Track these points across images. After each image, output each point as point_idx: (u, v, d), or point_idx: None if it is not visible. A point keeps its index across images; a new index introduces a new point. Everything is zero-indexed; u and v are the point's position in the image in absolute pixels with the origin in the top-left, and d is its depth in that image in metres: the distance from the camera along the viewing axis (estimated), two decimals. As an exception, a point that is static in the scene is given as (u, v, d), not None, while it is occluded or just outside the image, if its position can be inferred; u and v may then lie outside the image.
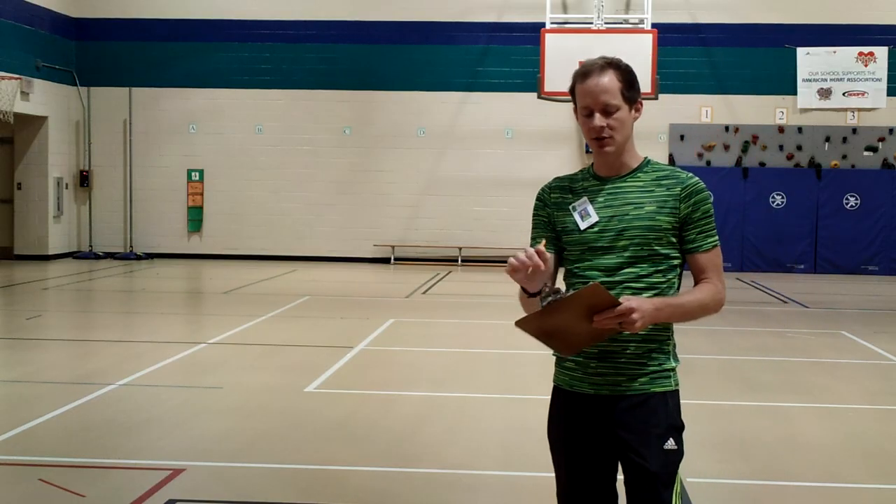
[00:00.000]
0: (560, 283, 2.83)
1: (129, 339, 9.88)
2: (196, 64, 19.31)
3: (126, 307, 13.13)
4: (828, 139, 18.65)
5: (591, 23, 16.77)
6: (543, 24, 16.88)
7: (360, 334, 10.18)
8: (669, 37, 17.58)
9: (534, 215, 3.01)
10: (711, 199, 2.85)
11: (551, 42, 16.62)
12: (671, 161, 18.81)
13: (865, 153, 18.65)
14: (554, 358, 2.95)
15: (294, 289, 14.63)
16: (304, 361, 8.70)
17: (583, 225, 2.85)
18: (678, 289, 2.86)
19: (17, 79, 16.78)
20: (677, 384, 2.89)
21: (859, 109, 18.58)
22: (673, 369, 2.87)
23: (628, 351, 2.80)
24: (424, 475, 5.32)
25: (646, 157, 2.90)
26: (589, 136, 2.81)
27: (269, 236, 19.36)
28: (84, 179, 19.52)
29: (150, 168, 19.54)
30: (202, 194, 19.49)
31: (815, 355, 9.53)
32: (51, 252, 18.80)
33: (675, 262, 2.84)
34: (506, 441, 6.07)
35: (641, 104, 2.85)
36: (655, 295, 2.78)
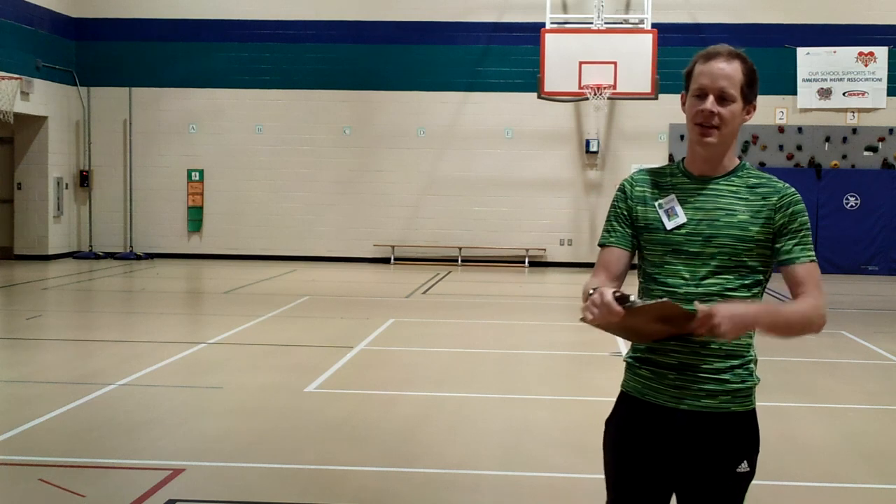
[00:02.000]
0: (634, 286, 2.67)
1: (129, 339, 9.88)
2: (196, 64, 19.31)
3: (126, 307, 13.13)
4: (828, 139, 18.65)
5: (591, 23, 16.79)
6: (543, 24, 16.89)
7: (360, 334, 10.18)
8: (669, 37, 17.57)
9: (612, 206, 2.79)
10: (807, 214, 2.68)
11: (551, 42, 16.64)
12: (671, 161, 18.81)
13: (865, 153, 18.65)
14: (625, 363, 2.79)
15: (294, 289, 14.63)
16: (304, 361, 8.70)
17: (669, 224, 2.66)
18: None
19: (17, 79, 16.78)
20: (754, 402, 2.73)
21: (859, 109, 18.58)
22: (754, 387, 2.70)
23: (707, 366, 2.62)
24: (424, 475, 5.32)
25: (742, 161, 2.72)
26: (693, 121, 2.62)
27: (269, 236, 19.36)
28: (84, 179, 19.52)
29: (150, 168, 19.54)
30: (202, 194, 19.49)
31: (815, 355, 9.52)
32: (51, 252, 18.80)
33: (761, 276, 2.67)
34: (506, 441, 6.07)
35: (755, 108, 2.68)
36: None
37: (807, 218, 2.66)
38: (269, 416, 6.69)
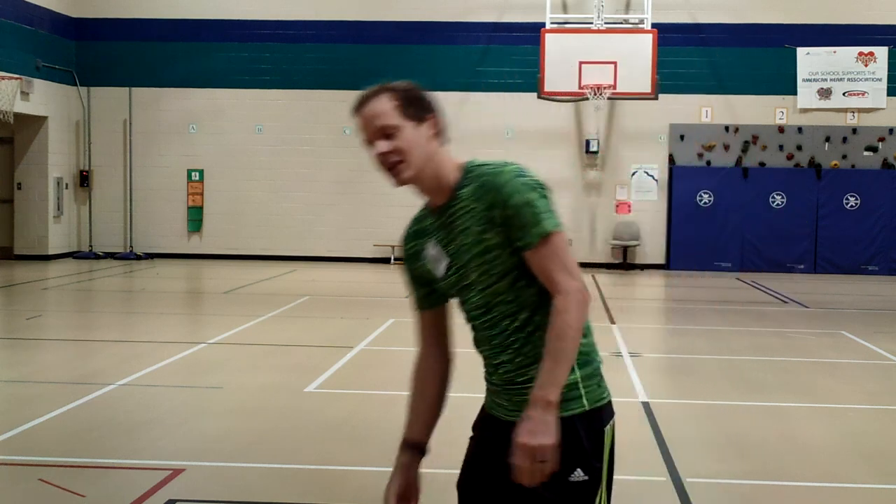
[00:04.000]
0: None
1: (129, 339, 9.88)
2: (196, 64, 19.31)
3: (126, 307, 13.13)
4: (828, 139, 18.65)
5: (591, 23, 16.80)
6: (543, 24, 16.91)
7: (360, 334, 10.18)
8: (669, 37, 17.58)
9: (402, 268, 2.76)
10: (524, 180, 2.45)
11: (551, 42, 16.65)
12: (671, 161, 18.82)
13: (865, 153, 18.64)
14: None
15: (294, 289, 14.63)
16: (304, 361, 8.70)
17: (440, 271, 2.59)
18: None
19: (17, 79, 16.78)
20: (597, 400, 2.59)
21: (859, 109, 18.58)
22: (579, 393, 2.55)
23: (522, 378, 2.55)
24: (424, 475, 5.32)
25: (466, 164, 2.56)
26: (381, 169, 2.52)
27: (269, 236, 19.36)
28: (84, 179, 19.52)
29: (150, 168, 19.54)
30: (202, 194, 19.49)
31: (815, 355, 9.53)
32: (51, 252, 18.80)
33: (537, 282, 2.51)
34: (506, 441, 6.06)
35: (435, 120, 2.52)
36: (533, 313, 2.52)
37: (521, 194, 2.43)
38: (269, 416, 6.69)
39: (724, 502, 5.13)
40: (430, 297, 2.71)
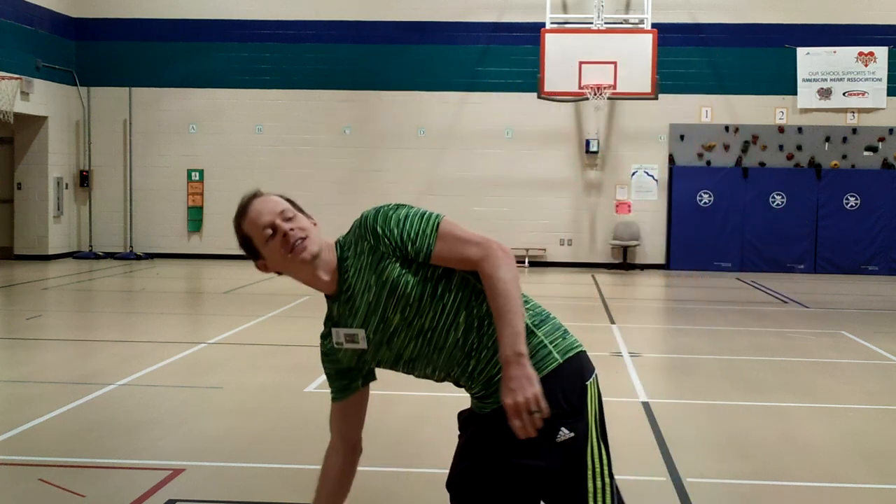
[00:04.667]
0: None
1: (129, 339, 9.88)
2: (196, 64, 19.31)
3: (126, 307, 13.13)
4: (828, 139, 18.65)
5: (591, 23, 16.80)
6: (543, 24, 16.91)
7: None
8: (669, 37, 17.59)
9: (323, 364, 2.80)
10: (383, 209, 2.61)
11: (551, 42, 16.65)
12: (671, 161, 18.83)
13: (865, 153, 18.65)
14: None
15: (294, 289, 14.53)
16: (304, 361, 8.69)
17: (362, 343, 2.63)
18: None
19: (17, 79, 16.78)
20: (568, 350, 2.62)
21: (859, 109, 18.58)
22: (542, 343, 2.59)
23: (496, 370, 2.56)
24: (424, 475, 5.32)
25: (335, 242, 2.70)
26: (284, 253, 2.56)
27: (269, 236, 19.33)
28: (84, 179, 19.52)
29: (150, 168, 19.54)
30: (202, 194, 19.49)
31: (815, 355, 9.53)
32: (51, 252, 18.80)
33: (454, 280, 2.57)
34: (506, 441, 6.05)
35: (314, 221, 2.70)
36: (468, 308, 2.56)
37: (390, 217, 2.57)
38: (269, 416, 6.69)
39: (725, 502, 5.13)
40: (349, 386, 2.75)
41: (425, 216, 2.58)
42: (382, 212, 2.61)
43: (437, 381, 2.75)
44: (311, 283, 2.65)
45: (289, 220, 2.59)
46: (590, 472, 2.56)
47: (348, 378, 2.75)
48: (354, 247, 2.63)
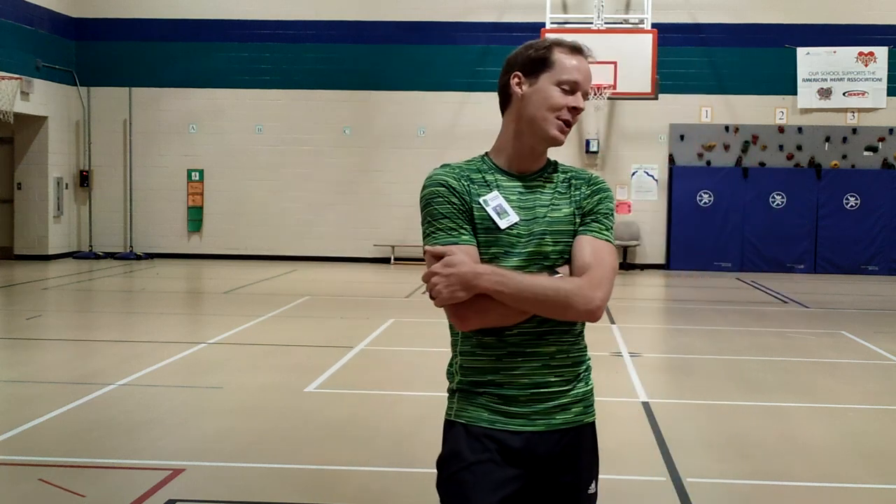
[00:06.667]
0: None
1: (129, 339, 9.88)
2: (196, 64, 19.31)
3: (126, 307, 13.13)
4: (828, 139, 18.65)
5: (591, 23, 16.79)
6: (543, 24, 16.89)
7: (360, 334, 10.18)
8: (669, 37, 17.58)
9: (438, 203, 2.45)
10: (614, 203, 2.60)
11: (551, 42, 16.61)
12: (671, 161, 18.82)
13: (865, 153, 18.65)
14: (451, 392, 2.57)
15: (294, 289, 14.63)
16: (304, 361, 8.70)
17: (502, 224, 2.45)
18: None
19: (17, 79, 16.78)
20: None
21: (859, 109, 18.58)
22: (592, 392, 2.56)
23: (557, 377, 2.48)
24: (424, 475, 5.32)
25: (551, 158, 2.66)
26: (558, 115, 2.50)
27: (269, 236, 19.36)
28: (84, 179, 19.52)
29: (150, 168, 19.54)
30: (202, 194, 19.49)
31: (815, 355, 9.53)
32: (51, 252, 18.80)
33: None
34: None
35: None
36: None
37: (612, 205, 2.58)
38: (269, 416, 6.69)
39: (725, 502, 5.13)
40: (473, 237, 2.47)
41: (611, 226, 2.55)
42: (610, 193, 2.61)
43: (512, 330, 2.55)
44: (528, 147, 2.59)
45: (579, 111, 2.56)
46: None
47: (468, 227, 2.48)
48: (568, 180, 2.61)
